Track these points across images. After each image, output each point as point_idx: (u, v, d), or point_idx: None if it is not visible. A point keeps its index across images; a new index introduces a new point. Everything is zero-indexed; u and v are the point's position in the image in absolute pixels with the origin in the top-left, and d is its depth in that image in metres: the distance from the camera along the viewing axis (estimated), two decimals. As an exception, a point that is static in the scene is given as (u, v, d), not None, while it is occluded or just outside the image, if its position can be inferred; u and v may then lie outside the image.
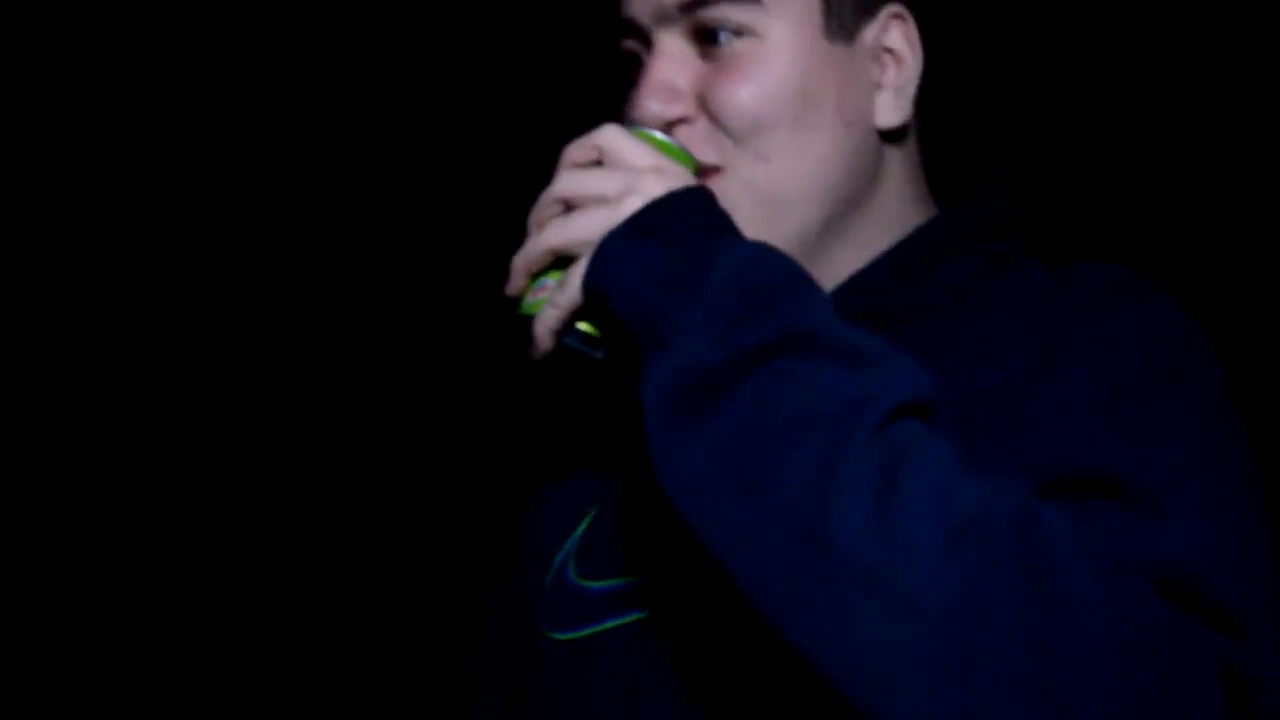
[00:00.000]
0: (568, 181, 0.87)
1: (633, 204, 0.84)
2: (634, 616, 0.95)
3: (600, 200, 0.85)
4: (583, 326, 0.88)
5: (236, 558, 2.87)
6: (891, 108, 0.97)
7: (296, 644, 2.85)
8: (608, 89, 1.04)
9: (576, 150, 0.89)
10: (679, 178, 0.87)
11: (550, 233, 0.87)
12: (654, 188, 0.85)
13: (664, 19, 0.94)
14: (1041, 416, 0.81)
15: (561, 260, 0.87)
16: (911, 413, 0.76)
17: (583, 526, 1.03)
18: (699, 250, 0.81)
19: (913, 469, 0.72)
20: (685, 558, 0.78)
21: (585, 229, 0.85)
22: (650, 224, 0.83)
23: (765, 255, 0.82)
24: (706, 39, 0.93)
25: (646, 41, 0.95)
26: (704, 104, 0.93)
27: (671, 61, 0.93)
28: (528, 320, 0.89)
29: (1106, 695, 0.67)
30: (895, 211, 0.99)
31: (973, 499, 0.72)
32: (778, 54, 0.92)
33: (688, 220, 0.83)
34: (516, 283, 0.89)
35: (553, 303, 0.87)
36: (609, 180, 0.86)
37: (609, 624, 0.96)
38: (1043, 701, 0.67)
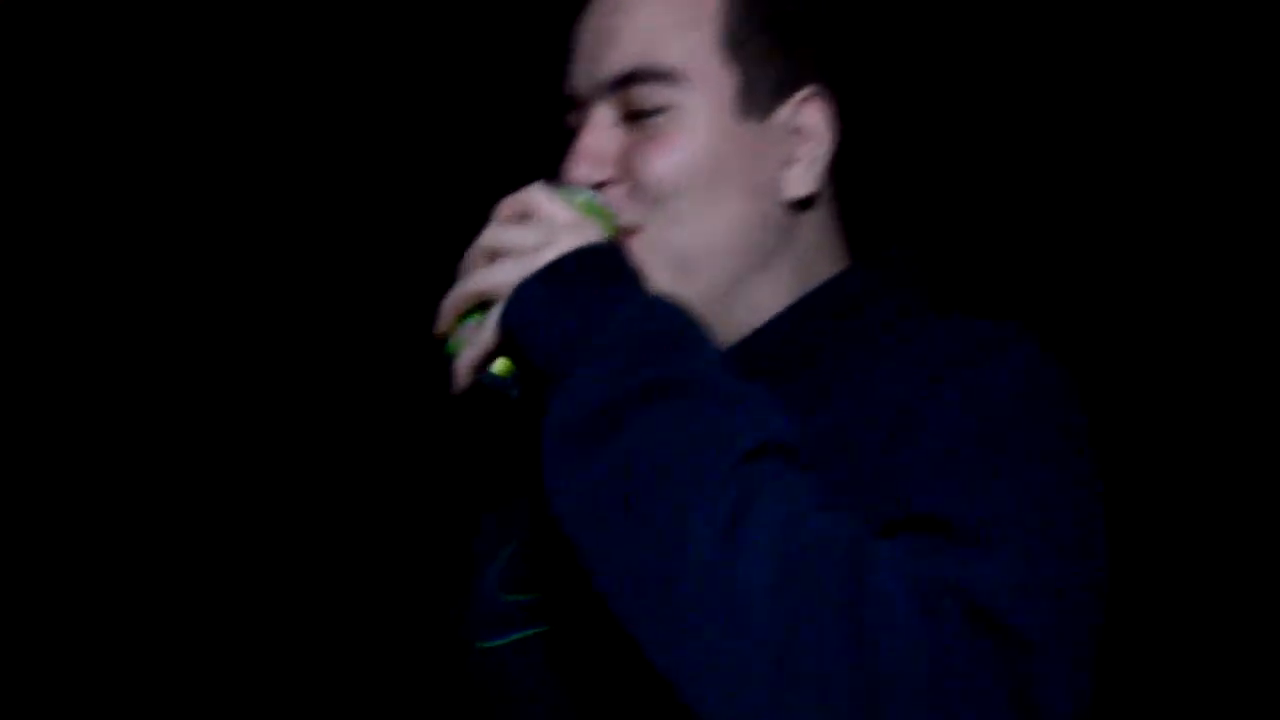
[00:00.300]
0: (494, 234, 0.97)
1: (548, 255, 0.93)
2: (540, 629, 1.04)
3: (521, 251, 0.94)
4: (499, 366, 0.96)
5: (194, 572, 2.95)
6: (800, 180, 1.05)
7: (239, 661, 2.93)
8: (551, 154, 1.13)
9: (506, 206, 0.99)
10: (593, 234, 0.96)
11: (475, 279, 0.96)
12: (569, 242, 0.94)
13: (597, 92, 1.04)
14: (900, 460, 0.89)
15: (486, 304, 0.96)
16: (773, 451, 0.84)
17: (510, 547, 1.13)
18: (601, 299, 0.90)
19: (762, 503, 0.81)
20: (577, 577, 0.86)
21: (504, 276, 0.94)
22: (561, 273, 0.92)
23: (660, 306, 0.91)
24: (634, 112, 1.02)
25: (585, 112, 1.05)
26: (626, 169, 1.02)
27: (601, 130, 1.03)
28: (449, 353, 0.98)
29: (910, 704, 0.76)
30: (805, 269, 1.07)
31: (813, 531, 0.80)
32: (693, 129, 1.01)
33: (595, 271, 0.92)
34: (444, 323, 0.98)
35: (471, 341, 0.96)
36: (530, 234, 0.95)
37: (519, 635, 1.06)
38: (852, 707, 0.76)
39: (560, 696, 1.01)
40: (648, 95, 1.02)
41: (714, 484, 0.81)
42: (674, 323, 0.90)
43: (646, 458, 0.83)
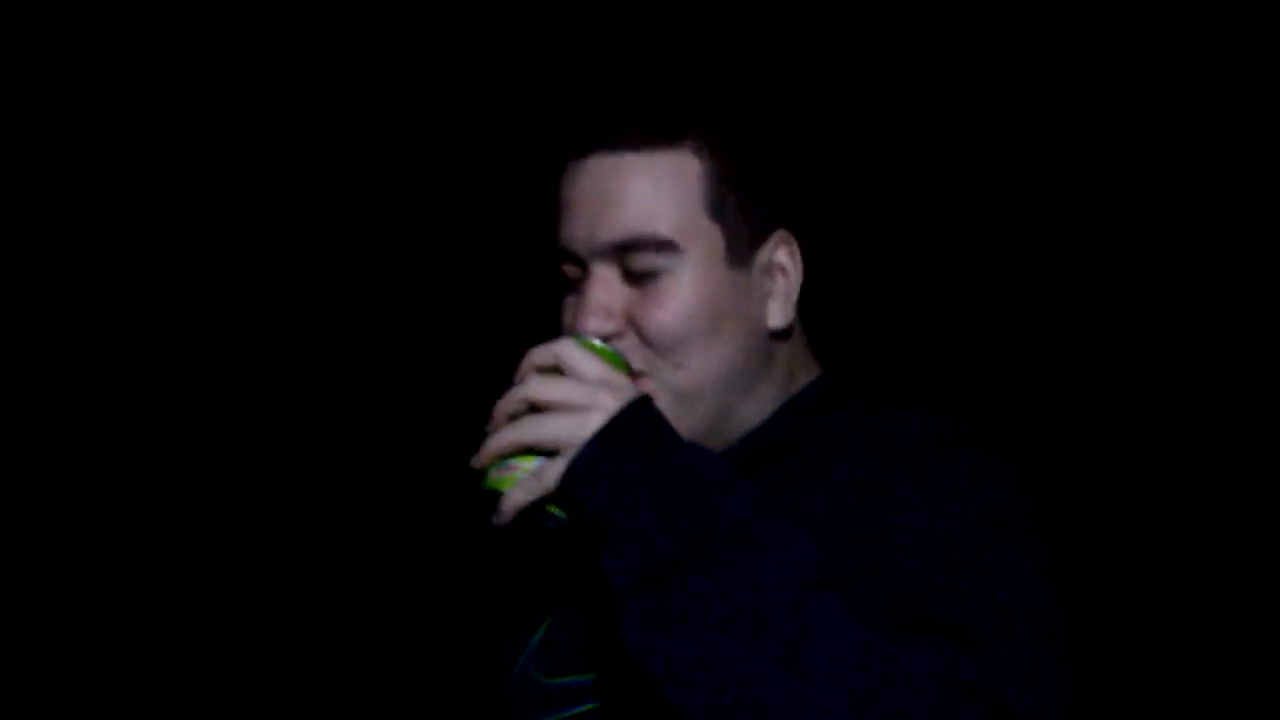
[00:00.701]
0: (536, 387, 1.09)
1: (595, 418, 1.06)
2: (588, 706, 1.20)
3: (567, 408, 1.07)
4: (550, 508, 1.10)
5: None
6: (779, 312, 1.22)
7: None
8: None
9: (538, 355, 1.11)
10: (625, 390, 1.09)
11: (524, 430, 1.08)
12: (609, 402, 1.07)
13: (597, 253, 1.18)
14: (892, 560, 1.06)
15: (528, 449, 1.09)
16: (815, 585, 1.00)
17: (539, 634, 1.29)
18: (652, 460, 1.05)
19: (818, 640, 0.98)
20: (618, 657, 1.01)
21: (556, 431, 1.07)
22: (612, 438, 1.05)
23: (702, 461, 1.06)
24: (633, 272, 1.17)
25: (583, 265, 1.19)
26: (631, 321, 1.17)
27: (605, 287, 1.17)
28: (487, 487, 1.10)
29: None
30: (784, 384, 1.25)
31: (859, 654, 0.98)
32: (690, 285, 1.17)
33: (642, 432, 1.06)
34: (484, 461, 1.10)
35: (526, 488, 1.08)
36: (572, 391, 1.08)
37: (568, 713, 1.21)
38: None
39: None
40: (647, 260, 1.16)
41: (776, 626, 0.98)
42: (717, 475, 1.05)
43: (714, 601, 0.99)
